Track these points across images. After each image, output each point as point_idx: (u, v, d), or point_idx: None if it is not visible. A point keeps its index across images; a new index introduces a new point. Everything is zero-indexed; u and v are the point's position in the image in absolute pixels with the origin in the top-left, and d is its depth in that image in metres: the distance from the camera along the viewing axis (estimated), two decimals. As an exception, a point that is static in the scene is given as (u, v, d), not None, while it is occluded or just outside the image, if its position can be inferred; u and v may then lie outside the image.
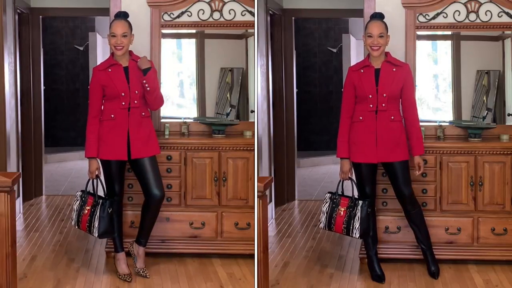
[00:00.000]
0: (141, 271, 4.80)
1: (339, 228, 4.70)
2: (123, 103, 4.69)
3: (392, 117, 4.69)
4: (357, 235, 4.65)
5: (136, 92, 4.70)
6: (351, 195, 4.74)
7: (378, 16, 4.72)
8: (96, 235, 4.63)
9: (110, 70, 4.72)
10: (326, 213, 4.75)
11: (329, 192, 4.80)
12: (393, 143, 4.69)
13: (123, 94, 4.68)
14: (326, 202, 4.77)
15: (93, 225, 4.63)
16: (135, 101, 4.70)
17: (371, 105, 4.65)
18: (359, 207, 4.66)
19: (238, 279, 4.81)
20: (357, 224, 4.64)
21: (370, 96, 4.64)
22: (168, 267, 4.97)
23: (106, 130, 4.70)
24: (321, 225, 4.78)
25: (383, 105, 4.66)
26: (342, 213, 4.69)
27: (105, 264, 5.08)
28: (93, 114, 4.73)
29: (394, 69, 4.70)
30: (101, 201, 4.67)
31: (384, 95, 4.65)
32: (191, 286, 4.69)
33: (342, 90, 4.85)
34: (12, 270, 3.85)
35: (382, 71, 4.68)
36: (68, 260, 5.15)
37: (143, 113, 4.75)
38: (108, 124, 4.70)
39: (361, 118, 4.68)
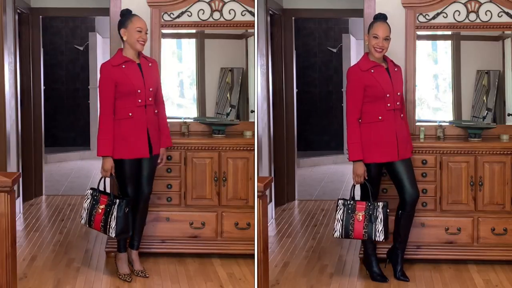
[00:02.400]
0: (140, 273, 4.78)
1: (359, 234, 4.61)
2: (140, 101, 4.64)
3: (402, 115, 4.74)
4: (382, 238, 4.58)
5: (151, 89, 4.68)
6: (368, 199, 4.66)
7: (382, 18, 4.70)
8: (113, 235, 4.57)
9: (124, 66, 4.65)
10: (342, 221, 4.63)
11: (340, 199, 4.69)
12: (406, 140, 4.74)
13: (139, 91, 4.63)
14: (340, 209, 4.65)
15: (110, 225, 4.57)
16: (150, 99, 4.68)
17: (389, 104, 4.64)
18: (380, 209, 4.60)
19: (238, 279, 4.81)
20: (380, 227, 4.57)
21: (388, 95, 4.64)
22: (168, 267, 4.97)
23: (126, 129, 4.63)
24: (336, 233, 4.64)
25: (398, 103, 4.67)
26: (360, 217, 4.61)
27: (105, 264, 5.08)
28: (107, 112, 4.60)
29: (396, 69, 4.74)
30: (117, 200, 4.59)
31: (399, 93, 4.69)
32: (191, 286, 4.69)
33: (344, 90, 4.82)
34: (12, 270, 3.84)
35: (391, 71, 4.70)
36: (68, 260, 5.15)
37: (156, 111, 4.75)
38: (126, 123, 4.63)
39: (380, 118, 4.64)
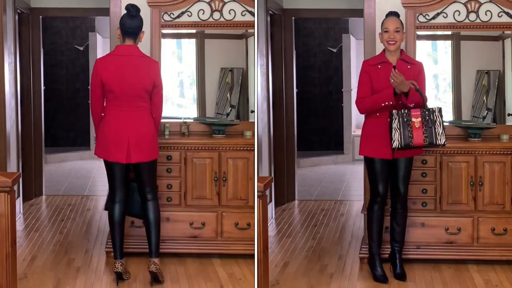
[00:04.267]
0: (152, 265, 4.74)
1: (420, 139, 4.50)
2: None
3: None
4: (443, 141, 4.51)
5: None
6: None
7: (393, 14, 4.75)
8: None
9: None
10: (399, 129, 4.51)
11: (394, 110, 4.57)
12: None
13: None
14: (395, 119, 4.53)
15: None
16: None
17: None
18: (436, 113, 4.53)
19: (238, 279, 4.81)
20: (440, 129, 4.50)
21: None
22: (168, 267, 4.97)
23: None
24: (395, 143, 4.50)
25: (400, 102, 4.65)
26: (418, 124, 4.52)
27: (105, 264, 5.08)
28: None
29: (408, 67, 4.70)
30: None
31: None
32: (191, 286, 4.69)
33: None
34: (12, 270, 3.84)
35: (398, 68, 4.68)
36: (68, 260, 5.15)
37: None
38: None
39: (378, 114, 4.66)
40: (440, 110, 4.56)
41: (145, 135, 4.59)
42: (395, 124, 4.52)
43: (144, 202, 4.74)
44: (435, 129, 4.52)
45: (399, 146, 4.52)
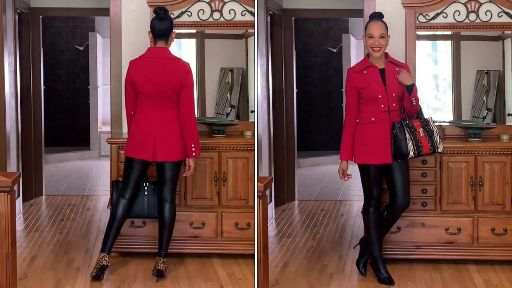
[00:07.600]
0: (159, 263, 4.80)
1: (427, 148, 4.63)
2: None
3: (403, 116, 4.68)
4: (441, 148, 4.66)
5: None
6: (422, 117, 4.70)
7: (377, 16, 4.70)
8: None
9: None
10: (411, 139, 4.61)
11: (397, 123, 4.65)
12: None
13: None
14: (404, 129, 4.63)
15: None
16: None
17: (382, 106, 4.62)
18: (431, 123, 4.66)
19: (238, 279, 4.81)
20: (438, 138, 4.65)
21: (380, 96, 4.62)
22: (169, 267, 4.96)
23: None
24: (411, 153, 4.60)
25: (394, 104, 4.64)
26: (422, 133, 4.63)
27: (105, 264, 5.08)
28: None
29: (397, 69, 4.69)
30: None
31: (393, 94, 4.63)
32: (191, 286, 4.69)
33: (344, 90, 4.83)
34: (12, 270, 3.84)
35: (387, 71, 4.66)
36: (68, 260, 5.15)
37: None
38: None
39: (373, 119, 4.65)
40: (432, 120, 4.70)
41: (171, 135, 4.65)
42: (407, 135, 4.61)
43: (161, 203, 4.79)
44: (434, 138, 4.64)
45: (414, 155, 4.61)
